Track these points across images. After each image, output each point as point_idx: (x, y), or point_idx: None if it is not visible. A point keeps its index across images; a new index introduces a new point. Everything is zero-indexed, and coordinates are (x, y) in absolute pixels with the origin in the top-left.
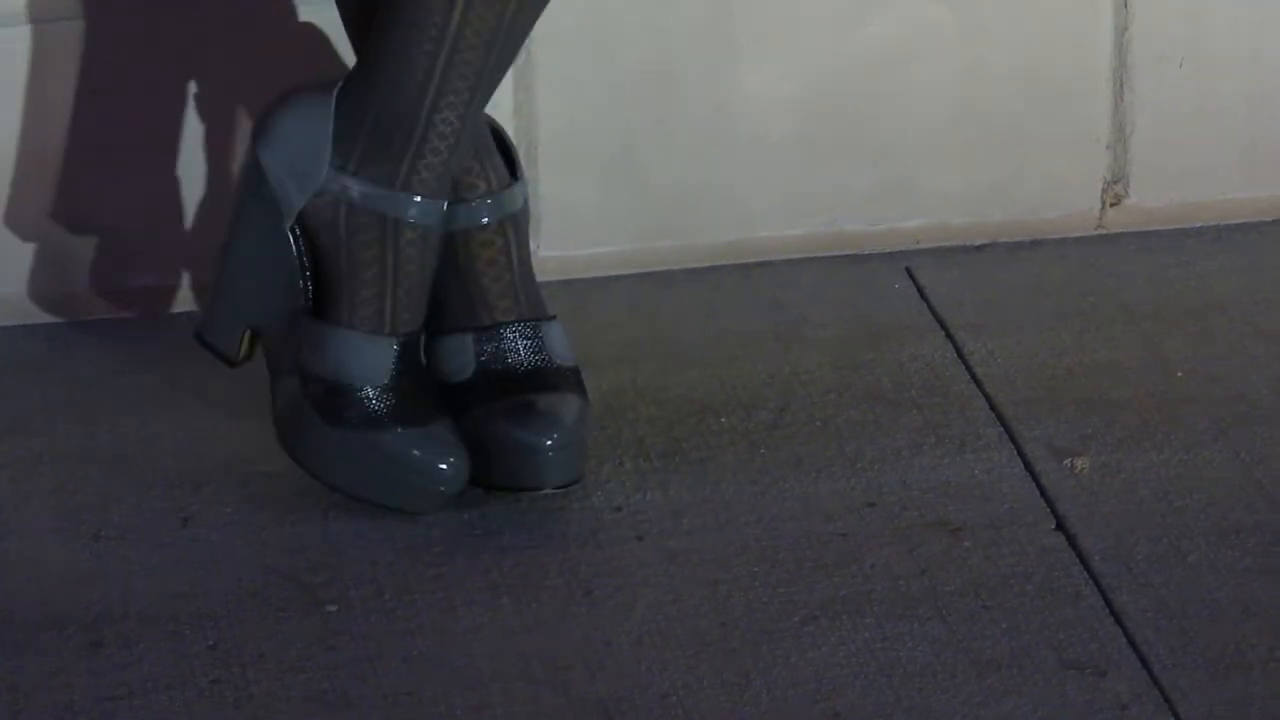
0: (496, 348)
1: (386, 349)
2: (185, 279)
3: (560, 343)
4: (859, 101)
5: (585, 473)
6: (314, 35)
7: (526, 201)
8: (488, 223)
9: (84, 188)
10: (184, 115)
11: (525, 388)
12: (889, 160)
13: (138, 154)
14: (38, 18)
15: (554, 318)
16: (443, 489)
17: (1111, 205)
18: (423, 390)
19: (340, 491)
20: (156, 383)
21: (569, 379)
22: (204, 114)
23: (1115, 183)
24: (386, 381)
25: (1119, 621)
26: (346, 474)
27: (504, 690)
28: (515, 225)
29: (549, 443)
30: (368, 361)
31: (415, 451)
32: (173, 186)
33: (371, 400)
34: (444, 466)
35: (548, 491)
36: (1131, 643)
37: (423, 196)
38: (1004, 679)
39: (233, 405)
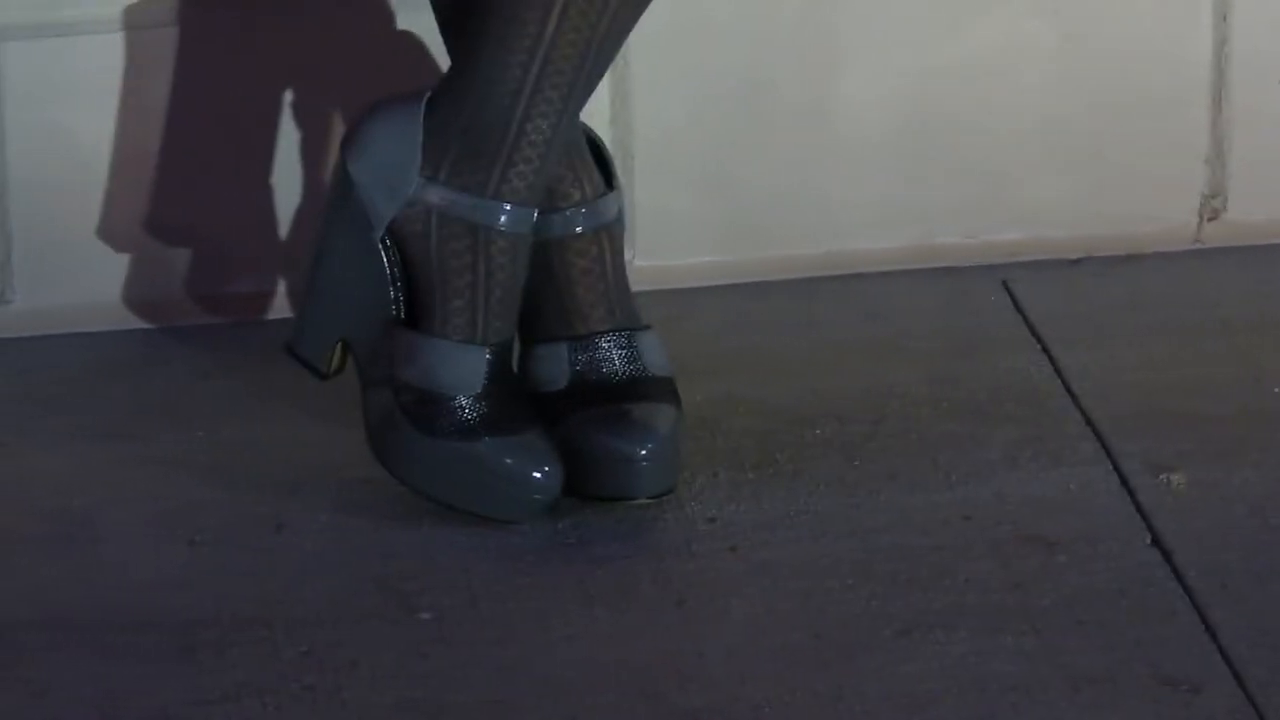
0: (591, 357)
1: (478, 358)
2: (280, 285)
3: (655, 352)
4: (956, 112)
5: (679, 483)
6: (412, 43)
7: (622, 211)
8: (582, 232)
9: (180, 194)
10: (279, 122)
11: (620, 397)
12: (985, 172)
13: (234, 160)
14: (133, 24)
15: (649, 327)
16: (537, 497)
17: (1209, 220)
18: (516, 399)
19: (434, 500)
20: (251, 388)
21: (664, 389)
22: (300, 120)
23: (1213, 197)
24: (479, 390)
25: (1214, 638)
26: (440, 483)
27: (595, 700)
28: (610, 234)
29: (643, 453)
30: (460, 370)
31: (508, 460)
32: (268, 193)
33: (464, 409)
34: (538, 475)
35: (641, 501)
36: (1226, 659)
37: (513, 205)
38: (1098, 694)
39: (327, 411)
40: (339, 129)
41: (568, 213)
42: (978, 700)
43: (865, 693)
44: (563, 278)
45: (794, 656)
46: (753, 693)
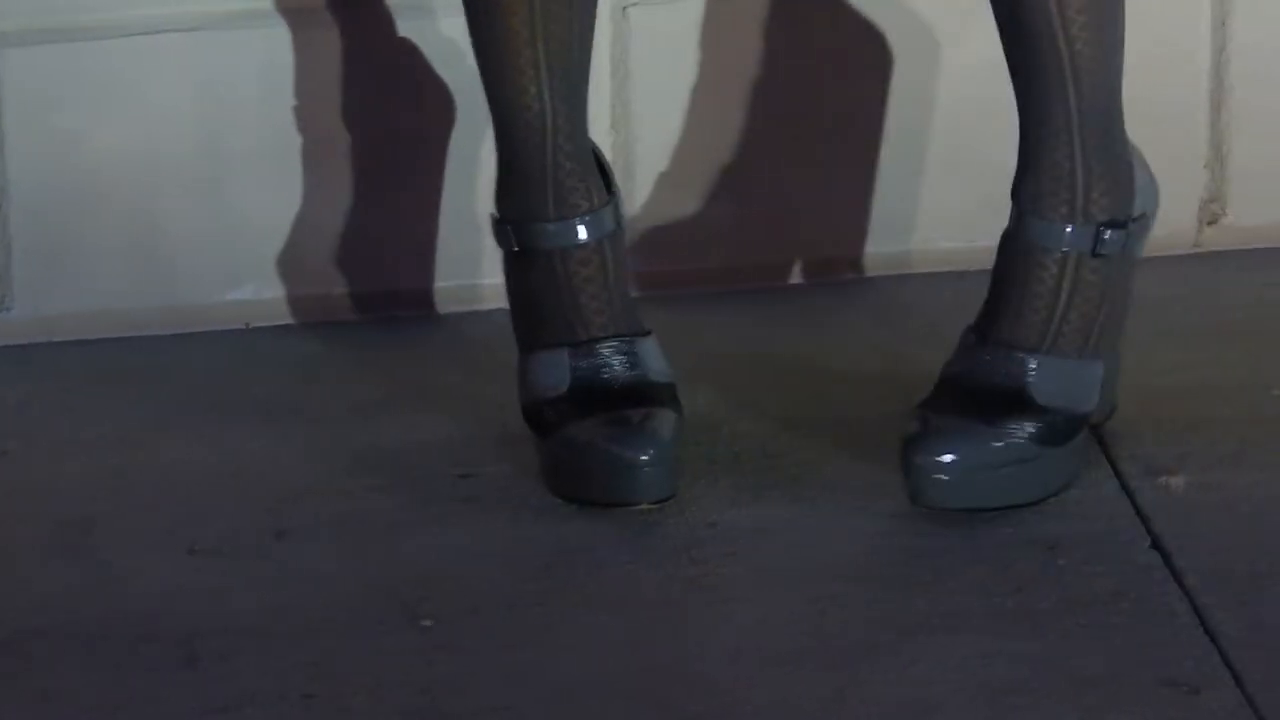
0: (592, 363)
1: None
2: (281, 291)
3: (656, 358)
4: (956, 118)
5: (680, 488)
6: (409, 48)
7: (622, 218)
8: (586, 240)
9: (180, 201)
10: (282, 128)
11: (621, 403)
12: (985, 178)
13: (236, 167)
14: (133, 30)
15: (649, 333)
16: (644, 459)
17: (1209, 224)
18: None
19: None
20: (252, 396)
21: (664, 394)
22: (303, 126)
23: (1212, 201)
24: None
25: (1214, 640)
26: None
27: (599, 706)
28: (613, 242)
29: (644, 458)
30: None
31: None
32: (270, 199)
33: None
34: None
35: (644, 507)
36: (1226, 662)
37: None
38: (1100, 696)
39: (331, 419)
40: (341, 134)
41: (573, 221)
42: (980, 703)
43: (867, 697)
44: (565, 285)
45: (796, 661)
46: (756, 697)
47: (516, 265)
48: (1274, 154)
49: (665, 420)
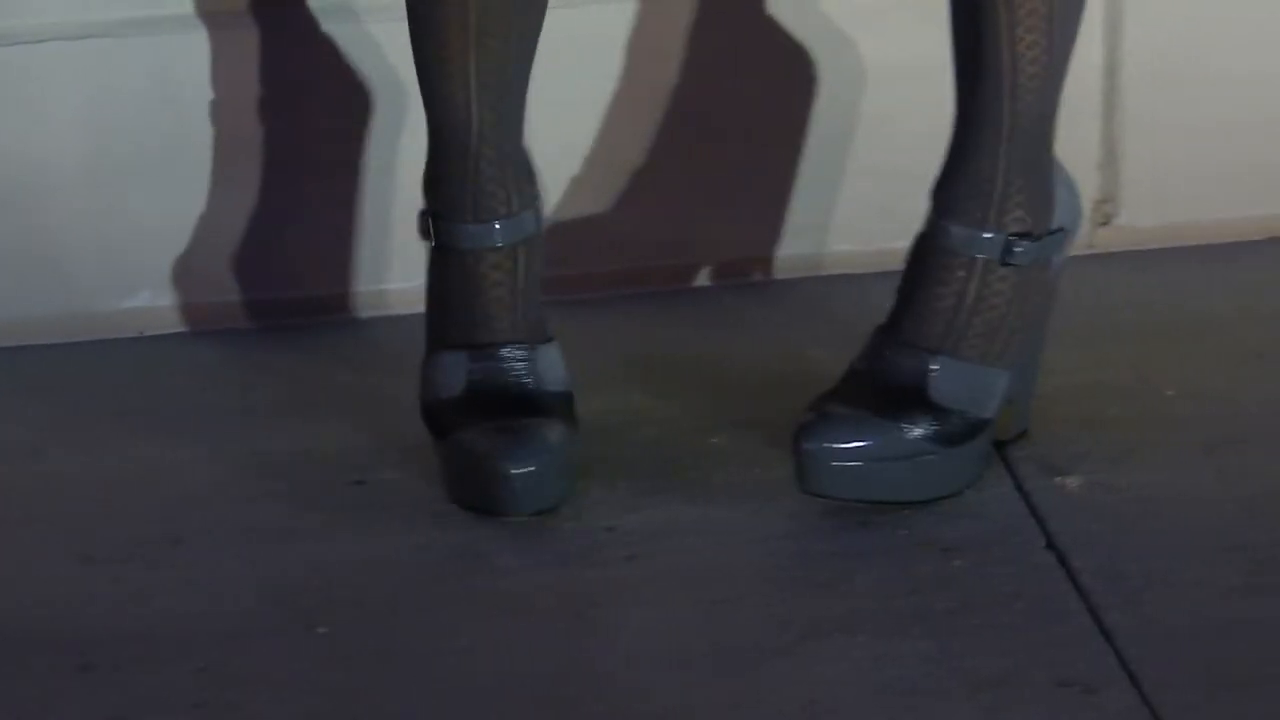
0: (487, 368)
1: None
2: (176, 299)
3: (554, 367)
4: (854, 123)
5: (565, 499)
6: (350, 54)
7: (541, 224)
8: (501, 245)
9: (87, 208)
10: (224, 133)
11: (511, 411)
12: (881, 182)
13: (170, 173)
14: (71, 35)
15: (551, 340)
16: (516, 472)
17: (1101, 225)
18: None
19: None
20: (149, 405)
21: (557, 405)
22: (246, 132)
23: (1105, 202)
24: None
25: (1109, 640)
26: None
27: (497, 712)
28: (529, 247)
29: (517, 471)
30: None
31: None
32: (185, 205)
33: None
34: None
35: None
36: (1121, 661)
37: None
38: (995, 697)
39: (228, 427)
40: (236, 140)
41: (490, 224)
42: (877, 705)
43: (765, 699)
44: (474, 286)
45: (694, 664)
46: (654, 701)
47: (434, 261)
48: (1167, 155)
49: (550, 432)
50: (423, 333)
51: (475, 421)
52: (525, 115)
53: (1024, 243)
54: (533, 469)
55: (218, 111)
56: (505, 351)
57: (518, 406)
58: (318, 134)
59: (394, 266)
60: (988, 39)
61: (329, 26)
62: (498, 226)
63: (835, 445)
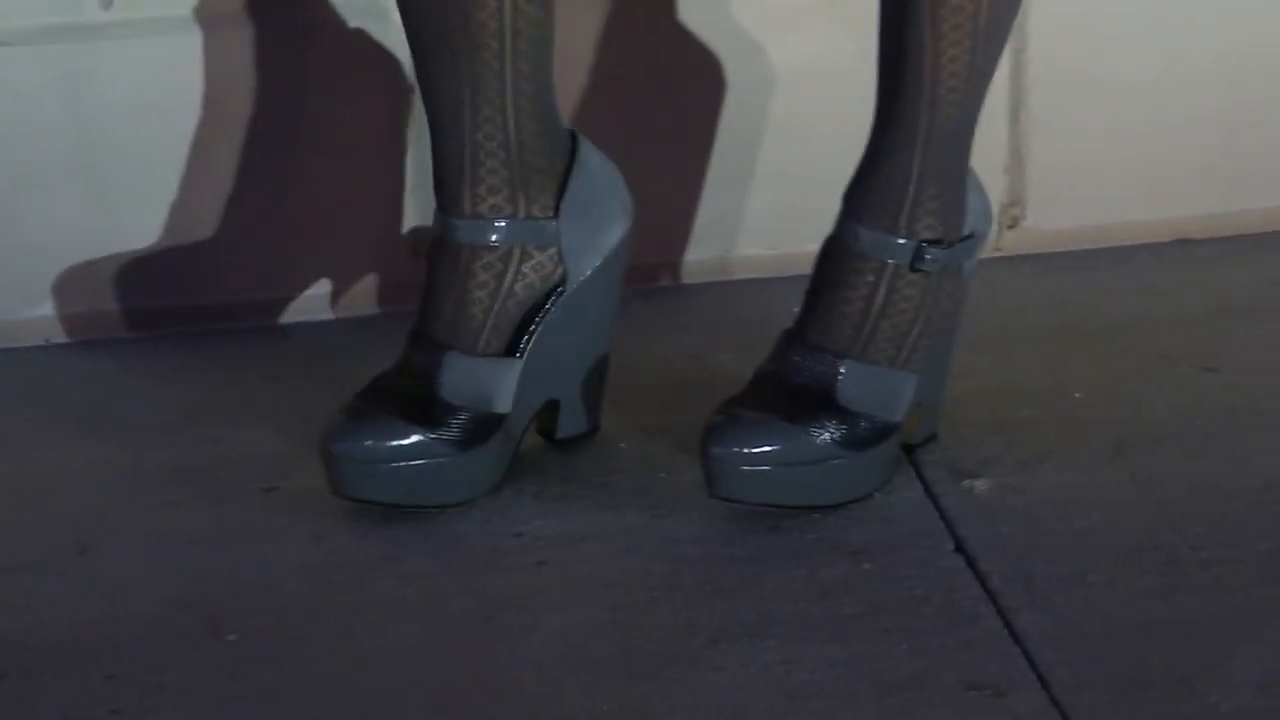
0: (404, 358)
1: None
2: (82, 308)
3: (460, 380)
4: (759, 125)
5: (485, 498)
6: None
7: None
8: (492, 244)
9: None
10: (159, 141)
11: (389, 403)
12: (789, 185)
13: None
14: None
15: (450, 349)
16: (331, 449)
17: (1009, 228)
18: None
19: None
20: (55, 413)
21: (436, 413)
22: (172, 138)
23: (1012, 205)
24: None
25: (1019, 642)
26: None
27: (406, 717)
28: (524, 256)
29: (332, 449)
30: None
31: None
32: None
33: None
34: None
35: (445, 515)
36: (1031, 663)
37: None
38: (905, 700)
39: (135, 434)
40: (141, 148)
41: (451, 220)
42: (786, 709)
43: (675, 704)
44: (433, 281)
45: (603, 669)
46: (563, 706)
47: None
48: (1072, 158)
49: (390, 428)
50: (336, 340)
51: (360, 405)
52: (547, 126)
53: (935, 249)
54: (344, 449)
55: (119, 121)
56: (421, 347)
57: (404, 403)
58: (219, 143)
59: (304, 272)
60: (911, 50)
61: (233, 34)
62: (456, 223)
63: (744, 450)
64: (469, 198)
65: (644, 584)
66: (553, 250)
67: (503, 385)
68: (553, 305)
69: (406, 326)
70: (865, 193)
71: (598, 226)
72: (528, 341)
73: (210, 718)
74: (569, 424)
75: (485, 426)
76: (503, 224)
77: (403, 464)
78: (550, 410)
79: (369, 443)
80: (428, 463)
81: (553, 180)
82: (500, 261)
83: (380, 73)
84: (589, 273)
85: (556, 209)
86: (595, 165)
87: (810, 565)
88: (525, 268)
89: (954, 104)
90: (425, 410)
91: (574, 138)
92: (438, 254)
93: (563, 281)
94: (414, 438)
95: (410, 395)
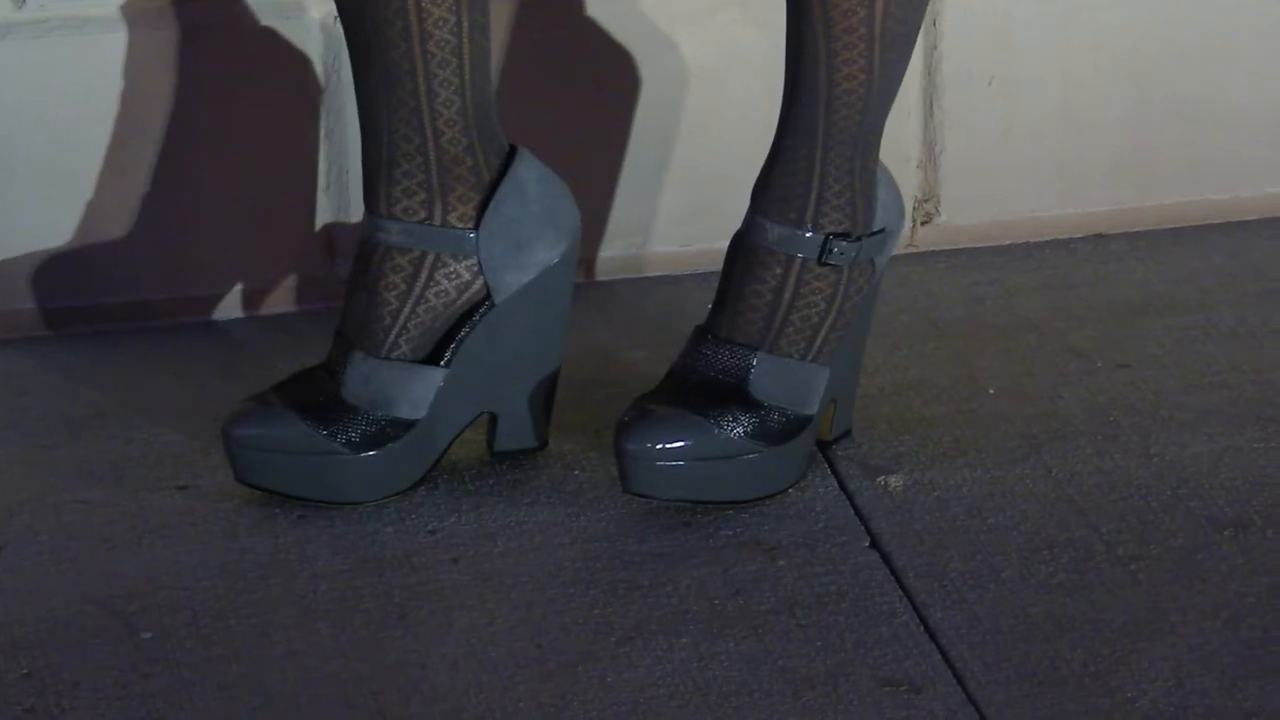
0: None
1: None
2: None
3: (360, 381)
4: (674, 121)
5: (399, 495)
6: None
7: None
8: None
9: None
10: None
11: (297, 398)
12: (700, 181)
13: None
14: None
15: (355, 349)
16: (226, 430)
17: (922, 224)
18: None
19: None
20: None
21: (338, 415)
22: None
23: (925, 201)
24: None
25: (933, 638)
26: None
27: (320, 715)
28: (438, 264)
29: (235, 432)
30: None
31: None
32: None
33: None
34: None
35: (358, 514)
36: (946, 659)
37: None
38: (819, 697)
39: (45, 434)
40: (46, 145)
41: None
42: (701, 705)
43: (589, 701)
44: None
45: (517, 667)
46: (477, 704)
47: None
48: (985, 153)
49: (280, 419)
50: (247, 338)
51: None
52: (477, 137)
53: (842, 243)
54: (243, 435)
55: (33, 118)
56: (338, 348)
57: (308, 399)
58: (131, 142)
59: (218, 271)
60: (806, 56)
61: (147, 33)
62: (372, 220)
63: (657, 445)
64: (384, 197)
65: (557, 581)
66: (471, 262)
67: (410, 391)
68: (479, 318)
69: (321, 325)
70: (770, 189)
71: (524, 244)
72: (452, 352)
73: (125, 714)
74: (508, 438)
75: (384, 430)
76: (415, 228)
77: (289, 455)
78: (491, 423)
79: (256, 430)
80: (316, 458)
81: (477, 191)
82: (410, 265)
83: (291, 70)
84: (515, 289)
85: (478, 221)
86: (530, 181)
87: (724, 562)
88: (439, 275)
89: (852, 106)
90: (325, 407)
91: (513, 151)
92: (359, 251)
93: (487, 295)
94: (300, 430)
95: (318, 390)
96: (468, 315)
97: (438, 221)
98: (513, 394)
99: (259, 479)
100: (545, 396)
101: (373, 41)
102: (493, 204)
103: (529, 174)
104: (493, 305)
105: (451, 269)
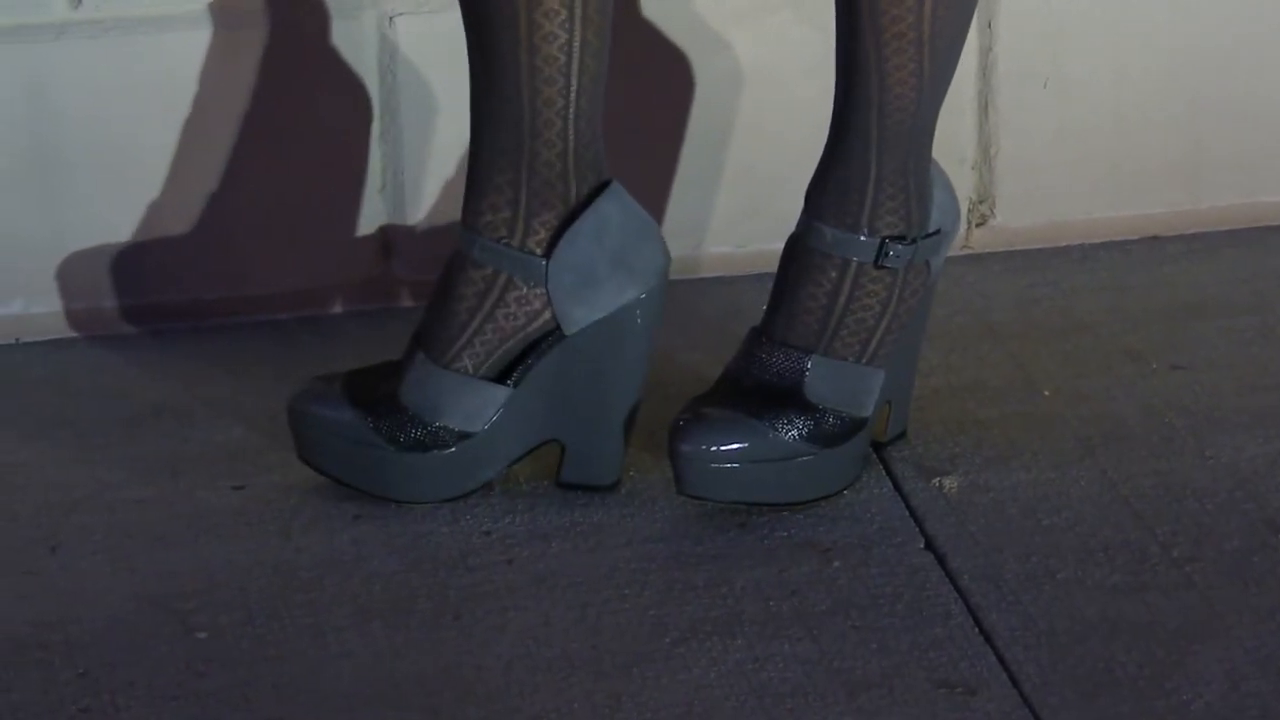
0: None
1: None
2: (52, 305)
3: (417, 386)
4: (728, 121)
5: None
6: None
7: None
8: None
9: None
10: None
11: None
12: (755, 181)
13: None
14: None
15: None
16: (289, 406)
17: (977, 225)
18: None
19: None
20: (25, 411)
21: (382, 407)
22: (123, 139)
23: (981, 203)
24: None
25: (988, 640)
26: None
27: (374, 715)
28: (509, 287)
29: (293, 409)
30: None
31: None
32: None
33: None
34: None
35: (413, 514)
36: (1001, 661)
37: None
38: (874, 699)
39: (99, 432)
40: (107, 146)
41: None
42: (755, 707)
43: (643, 702)
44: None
45: (572, 667)
46: (531, 704)
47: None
48: (1040, 155)
49: (333, 402)
50: (302, 338)
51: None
52: (574, 162)
53: (898, 246)
54: (299, 412)
55: (90, 118)
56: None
57: (367, 392)
58: (185, 142)
59: (269, 272)
60: (856, 62)
61: (207, 34)
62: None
63: (712, 447)
64: (473, 210)
65: (612, 582)
66: (541, 290)
67: (463, 404)
68: (548, 347)
69: (376, 327)
70: (824, 192)
71: (593, 281)
72: (520, 375)
73: (180, 714)
74: (573, 471)
75: (435, 435)
76: (493, 245)
77: (339, 439)
78: (560, 452)
79: (313, 409)
80: (363, 449)
81: (560, 219)
82: (484, 282)
83: (347, 71)
84: (585, 324)
85: (550, 249)
86: (613, 217)
87: (779, 563)
88: (509, 297)
89: (904, 110)
90: (379, 401)
91: (607, 185)
92: (450, 256)
93: (557, 326)
94: (348, 418)
95: (380, 384)
96: (539, 341)
97: (516, 243)
98: (580, 427)
99: (313, 457)
100: (616, 435)
101: (485, 48)
102: (568, 235)
103: (613, 209)
104: (562, 337)
105: (523, 293)
